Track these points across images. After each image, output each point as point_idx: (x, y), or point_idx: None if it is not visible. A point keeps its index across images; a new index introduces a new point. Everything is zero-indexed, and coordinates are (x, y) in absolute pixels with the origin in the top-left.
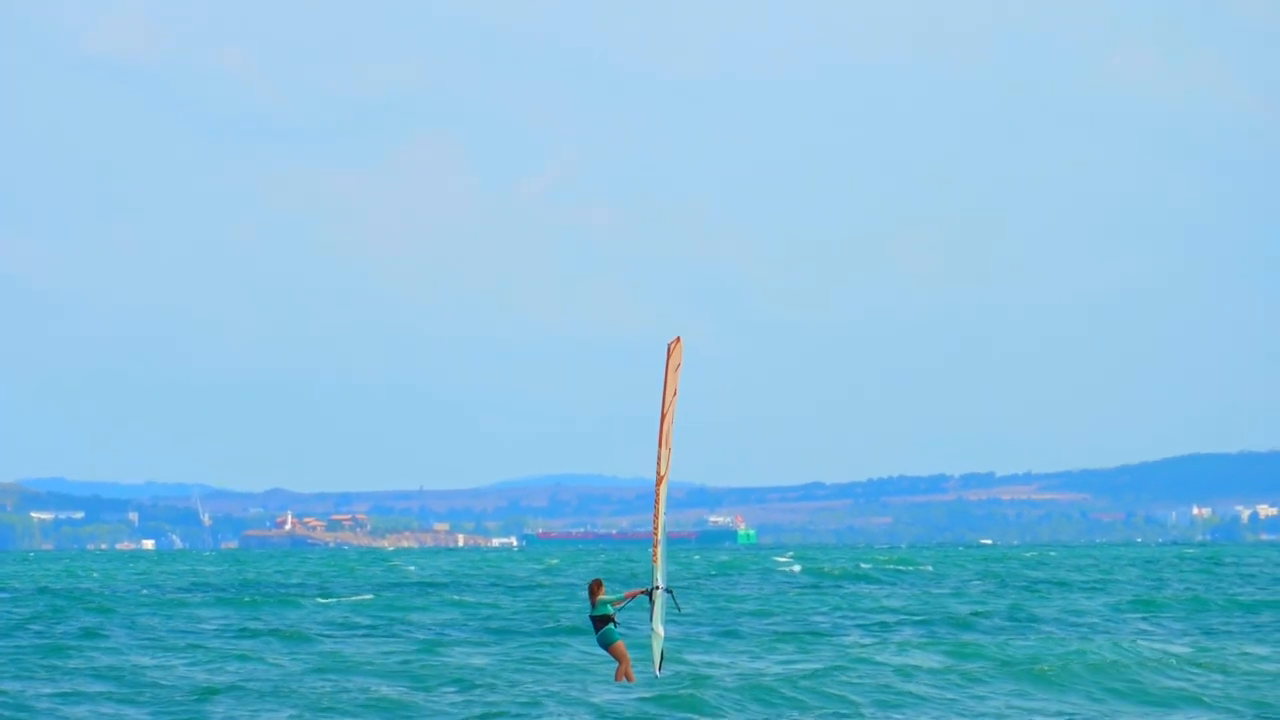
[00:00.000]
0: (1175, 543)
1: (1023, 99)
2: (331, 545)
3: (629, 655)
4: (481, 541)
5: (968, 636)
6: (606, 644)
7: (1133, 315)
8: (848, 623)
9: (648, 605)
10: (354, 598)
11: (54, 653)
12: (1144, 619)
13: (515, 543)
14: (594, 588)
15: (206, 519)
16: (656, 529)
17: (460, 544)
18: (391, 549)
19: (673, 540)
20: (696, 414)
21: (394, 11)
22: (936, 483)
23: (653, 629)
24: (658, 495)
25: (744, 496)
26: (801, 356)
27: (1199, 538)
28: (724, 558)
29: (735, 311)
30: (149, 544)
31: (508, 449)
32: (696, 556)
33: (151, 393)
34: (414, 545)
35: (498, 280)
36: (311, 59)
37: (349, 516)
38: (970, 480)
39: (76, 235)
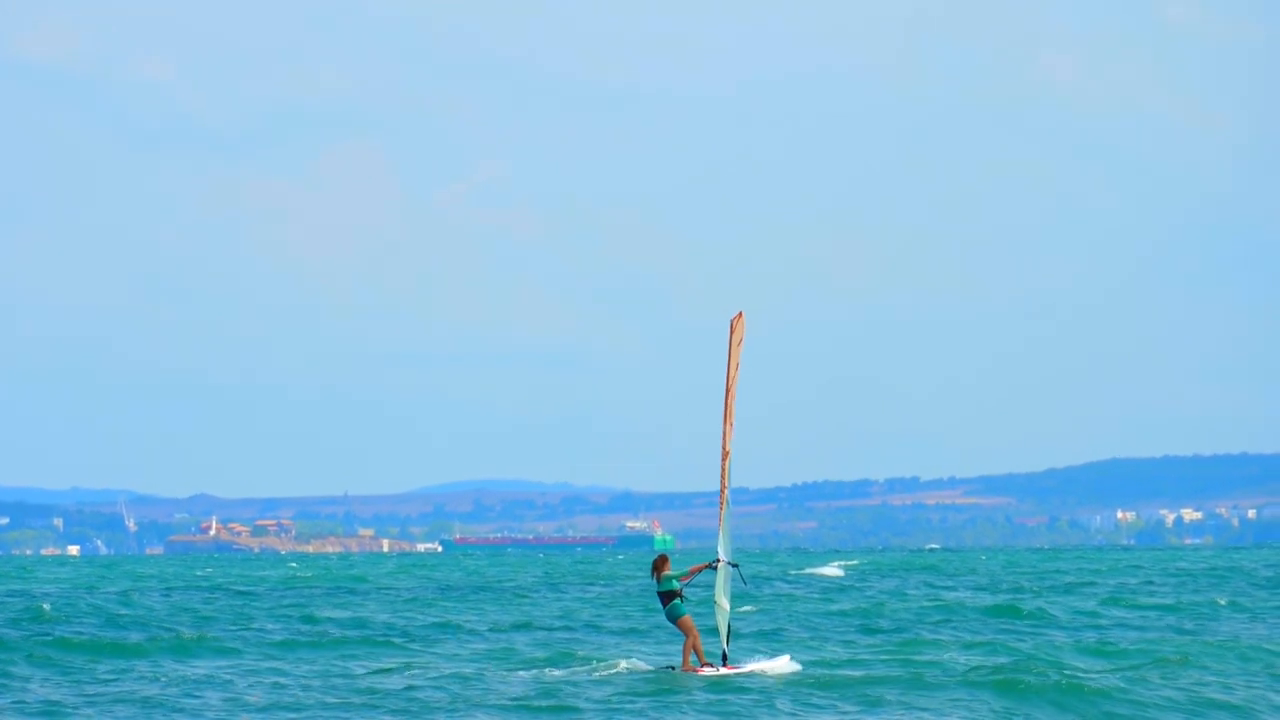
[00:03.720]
0: (1101, 548)
1: (954, 107)
2: (257, 551)
3: (697, 630)
4: (406, 546)
5: None
6: (674, 618)
7: (1057, 321)
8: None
9: (713, 581)
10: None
11: None
12: None
13: (439, 548)
14: (659, 563)
15: (132, 525)
16: (722, 504)
17: (385, 549)
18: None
19: (588, 545)
20: (620, 420)
21: (318, 19)
22: (861, 488)
23: (717, 602)
24: (723, 471)
25: (669, 501)
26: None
27: (1124, 542)
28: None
29: (658, 318)
30: (74, 550)
31: (433, 454)
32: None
33: (76, 398)
34: (339, 551)
35: (422, 286)
36: (237, 66)
37: (274, 522)
38: (895, 485)
39: None
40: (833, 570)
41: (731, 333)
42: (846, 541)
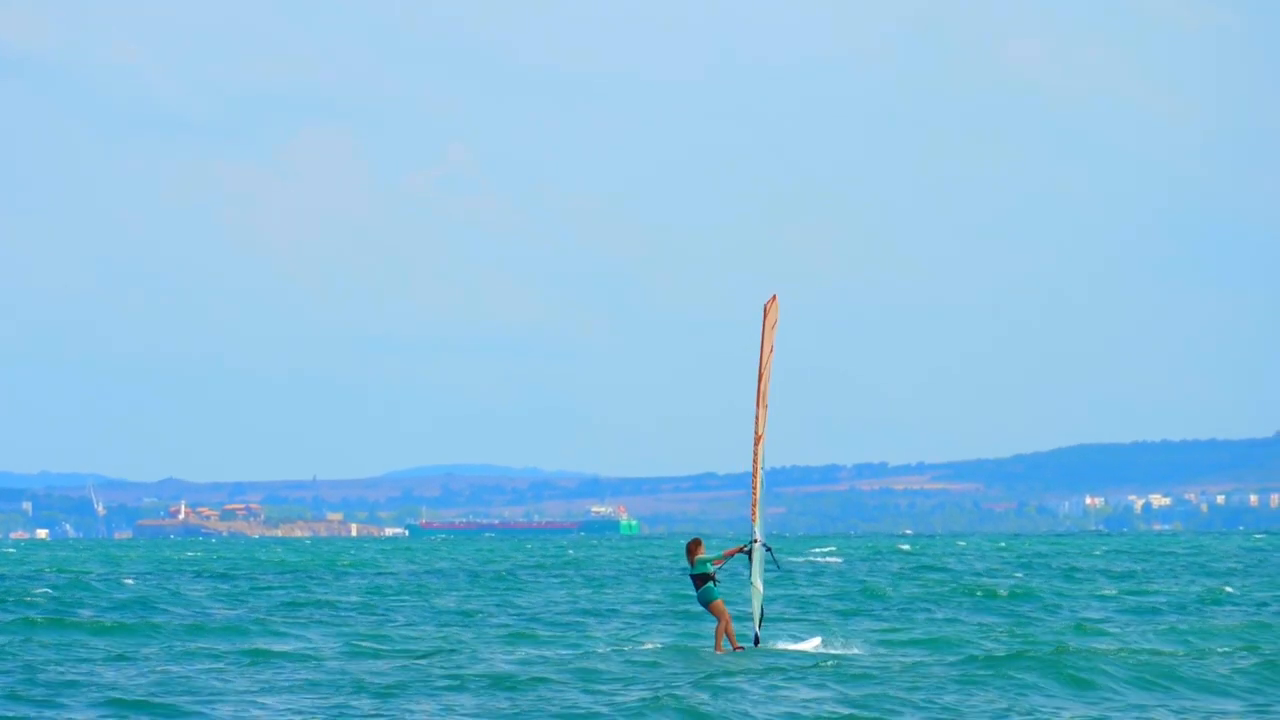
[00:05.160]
0: (1070, 533)
1: (924, 96)
2: (225, 535)
3: (729, 613)
4: (374, 531)
5: None
6: (706, 601)
7: (1025, 306)
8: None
9: (747, 564)
10: None
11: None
12: None
13: (405, 532)
14: (692, 546)
15: (101, 509)
16: (755, 488)
17: (353, 533)
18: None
19: (554, 531)
20: (589, 405)
21: (288, 5)
22: (830, 473)
23: (752, 584)
24: (755, 454)
25: (636, 487)
26: (693, 347)
27: (1092, 527)
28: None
29: (627, 304)
30: (43, 533)
31: (401, 439)
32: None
33: (45, 382)
34: (307, 535)
35: (390, 271)
36: (205, 51)
37: (243, 506)
38: (863, 470)
39: None
40: (832, 559)
41: (765, 316)
42: (815, 527)
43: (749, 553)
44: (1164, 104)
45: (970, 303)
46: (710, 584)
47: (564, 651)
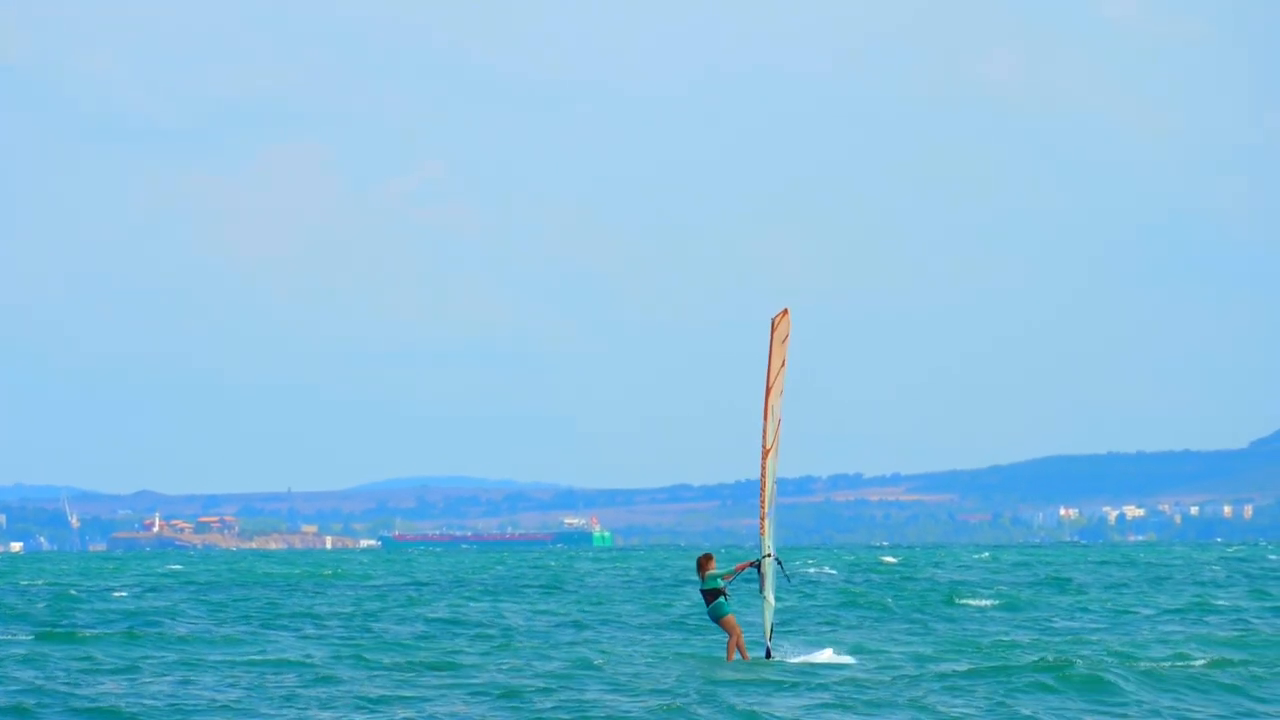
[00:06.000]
0: (1041, 545)
1: (897, 108)
2: (200, 547)
3: (740, 628)
4: (349, 543)
5: None
6: (717, 617)
7: (999, 318)
8: None
9: (756, 577)
10: None
11: None
12: None
13: (379, 544)
14: (703, 561)
15: (75, 521)
16: (763, 502)
17: (328, 546)
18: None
19: (529, 543)
20: (564, 417)
21: (262, 14)
22: (804, 484)
23: (764, 598)
24: (764, 468)
25: (611, 499)
26: (668, 358)
27: (1066, 538)
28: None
29: (602, 314)
30: (17, 546)
31: (376, 451)
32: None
33: (19, 394)
34: (281, 547)
35: (365, 282)
36: (181, 61)
37: (217, 518)
38: (838, 481)
39: None
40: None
41: (773, 330)
42: (790, 539)
43: (759, 567)
44: (1135, 116)
45: (945, 314)
46: (721, 599)
47: (570, 661)
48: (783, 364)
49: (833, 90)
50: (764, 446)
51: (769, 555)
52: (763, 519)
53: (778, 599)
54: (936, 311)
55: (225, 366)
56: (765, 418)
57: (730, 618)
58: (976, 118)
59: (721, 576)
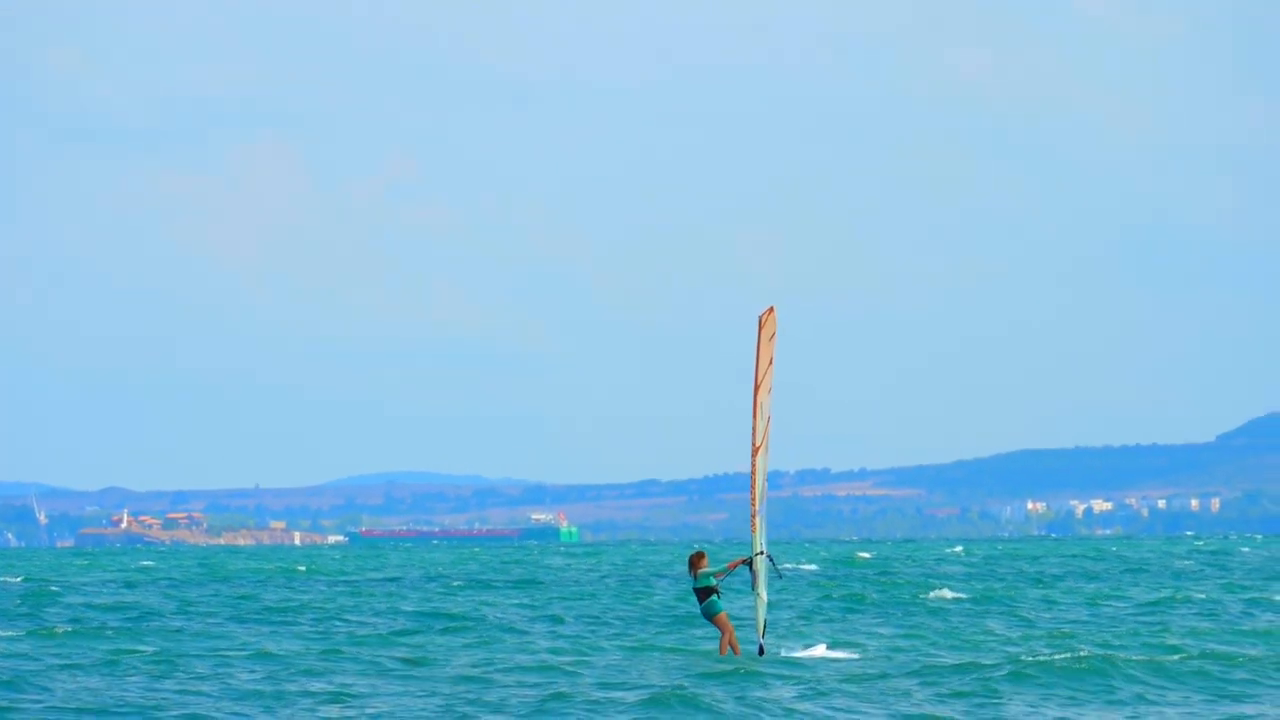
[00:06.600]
0: (1011, 539)
1: (869, 105)
2: (168, 544)
3: (732, 625)
4: (317, 539)
5: None
6: (710, 615)
7: (966, 314)
8: None
9: (748, 575)
10: None
11: None
12: None
13: (345, 540)
14: (695, 560)
15: (43, 518)
16: (754, 499)
17: (297, 542)
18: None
19: (496, 539)
20: (532, 413)
21: (230, 12)
22: (772, 479)
23: (756, 594)
24: (754, 466)
25: (579, 494)
26: (636, 355)
27: (1034, 532)
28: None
29: (570, 311)
30: None
31: (344, 447)
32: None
33: None
34: (250, 543)
35: (333, 279)
36: (148, 59)
37: (185, 515)
38: (806, 476)
39: None
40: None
41: (761, 328)
42: None
43: (751, 564)
44: (1112, 114)
45: (911, 310)
46: (714, 597)
47: (560, 653)
48: (770, 361)
49: (809, 88)
50: (754, 444)
51: (761, 553)
52: (754, 516)
53: (770, 595)
54: (903, 308)
55: (192, 364)
56: (755, 415)
57: (723, 615)
58: (952, 115)
59: (713, 575)
